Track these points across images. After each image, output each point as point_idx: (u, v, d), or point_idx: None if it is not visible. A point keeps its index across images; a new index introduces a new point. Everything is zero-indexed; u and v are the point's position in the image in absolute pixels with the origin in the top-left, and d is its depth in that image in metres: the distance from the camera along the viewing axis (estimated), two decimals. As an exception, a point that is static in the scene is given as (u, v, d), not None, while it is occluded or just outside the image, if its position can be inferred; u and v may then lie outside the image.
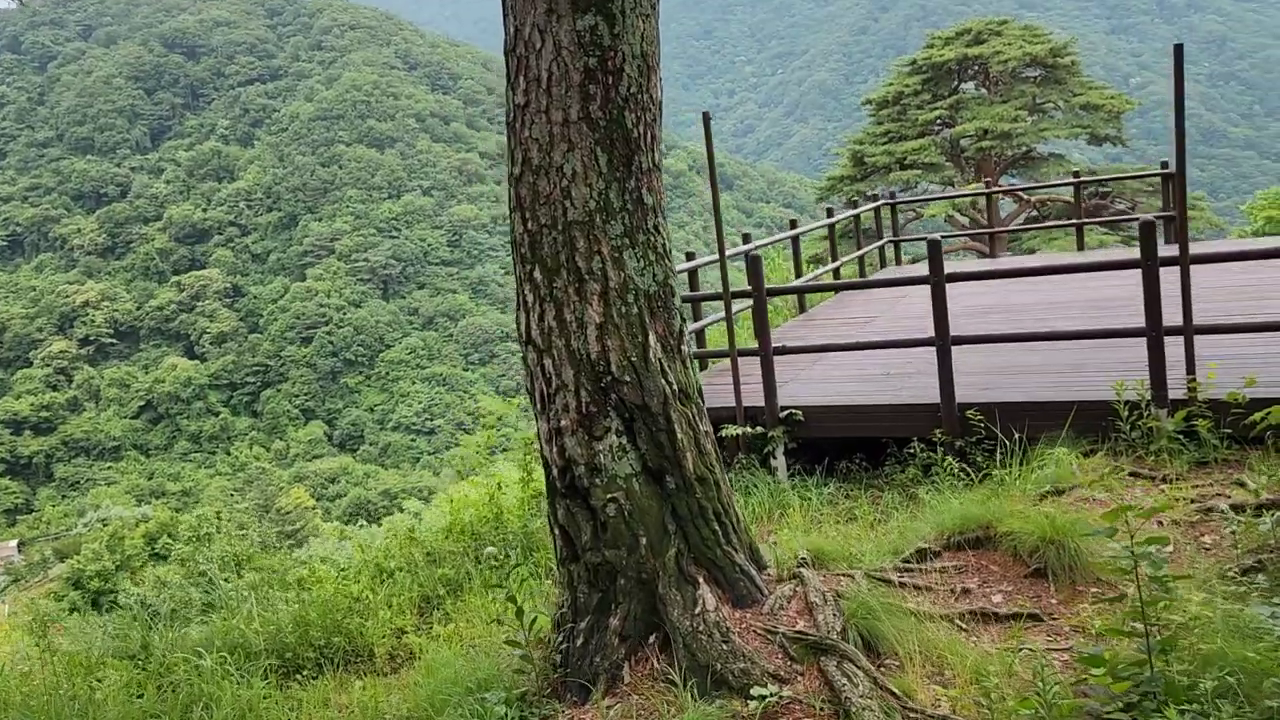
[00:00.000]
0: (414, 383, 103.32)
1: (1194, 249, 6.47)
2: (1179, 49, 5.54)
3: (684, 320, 4.81)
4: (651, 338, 4.56)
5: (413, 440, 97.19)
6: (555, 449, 4.61)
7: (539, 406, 4.70)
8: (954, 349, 6.80)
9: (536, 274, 4.59)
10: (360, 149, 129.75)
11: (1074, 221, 13.58)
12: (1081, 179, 13.42)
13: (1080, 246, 13.65)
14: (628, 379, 4.49)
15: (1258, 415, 5.79)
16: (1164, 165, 12.92)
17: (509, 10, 4.60)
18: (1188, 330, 6.08)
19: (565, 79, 4.44)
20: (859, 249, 12.89)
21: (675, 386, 4.61)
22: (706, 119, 6.81)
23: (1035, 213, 35.32)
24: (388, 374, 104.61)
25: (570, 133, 4.47)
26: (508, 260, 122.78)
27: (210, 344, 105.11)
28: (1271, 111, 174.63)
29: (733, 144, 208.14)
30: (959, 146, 35.10)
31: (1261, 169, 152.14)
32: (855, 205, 35.80)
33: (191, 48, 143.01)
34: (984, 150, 35.13)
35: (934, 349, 6.85)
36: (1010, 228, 30.03)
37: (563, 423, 4.56)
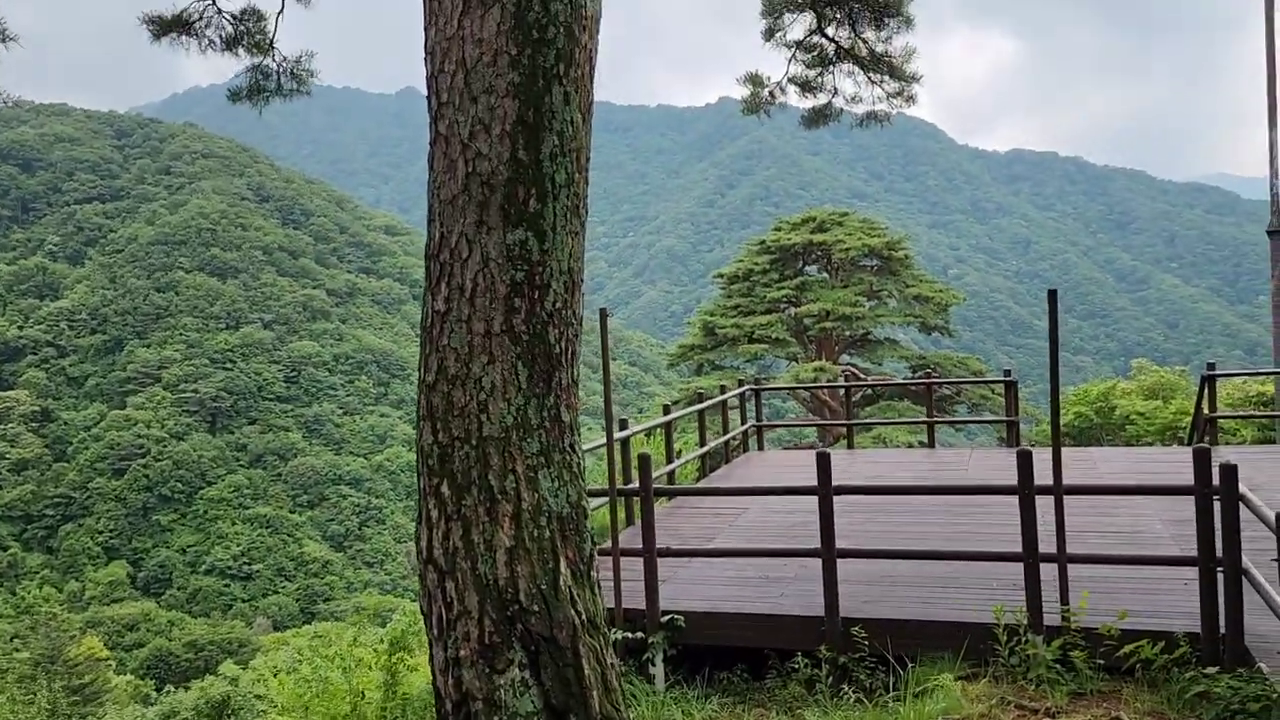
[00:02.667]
0: (234, 523, 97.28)
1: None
2: (1053, 294, 5.93)
3: (594, 543, 4.63)
4: (563, 564, 4.35)
5: (226, 585, 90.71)
6: (451, 680, 4.27)
7: (435, 632, 4.37)
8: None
9: (444, 489, 4.35)
10: (201, 277, 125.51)
11: (925, 420, 14.36)
12: (932, 379, 14.20)
13: (931, 441, 14.39)
14: (536, 608, 4.24)
15: (1129, 648, 6.02)
16: (1006, 374, 13.90)
17: (436, 216, 4.51)
18: (1061, 558, 6.32)
19: (490, 290, 4.34)
20: (725, 432, 13.12)
21: (584, 616, 4.38)
22: (604, 316, 6.82)
23: (871, 392, 37.10)
24: (206, 513, 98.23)
25: (492, 345, 4.35)
26: (346, 399, 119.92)
27: (8, 471, 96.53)
28: (1069, 309, 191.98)
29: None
30: (803, 325, 36.73)
31: (1062, 360, 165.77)
32: (701, 372, 36.92)
33: (27, 160, 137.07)
34: (826, 330, 36.89)
35: (819, 559, 6.86)
36: (861, 420, 31.24)
37: (462, 652, 4.24)
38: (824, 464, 6.92)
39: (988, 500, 9.07)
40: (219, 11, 9.41)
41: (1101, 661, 5.98)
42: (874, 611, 6.84)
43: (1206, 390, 12.97)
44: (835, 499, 6.99)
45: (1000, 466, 11.78)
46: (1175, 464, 11.62)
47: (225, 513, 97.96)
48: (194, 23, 9.42)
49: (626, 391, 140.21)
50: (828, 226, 38.01)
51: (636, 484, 7.76)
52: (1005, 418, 13.94)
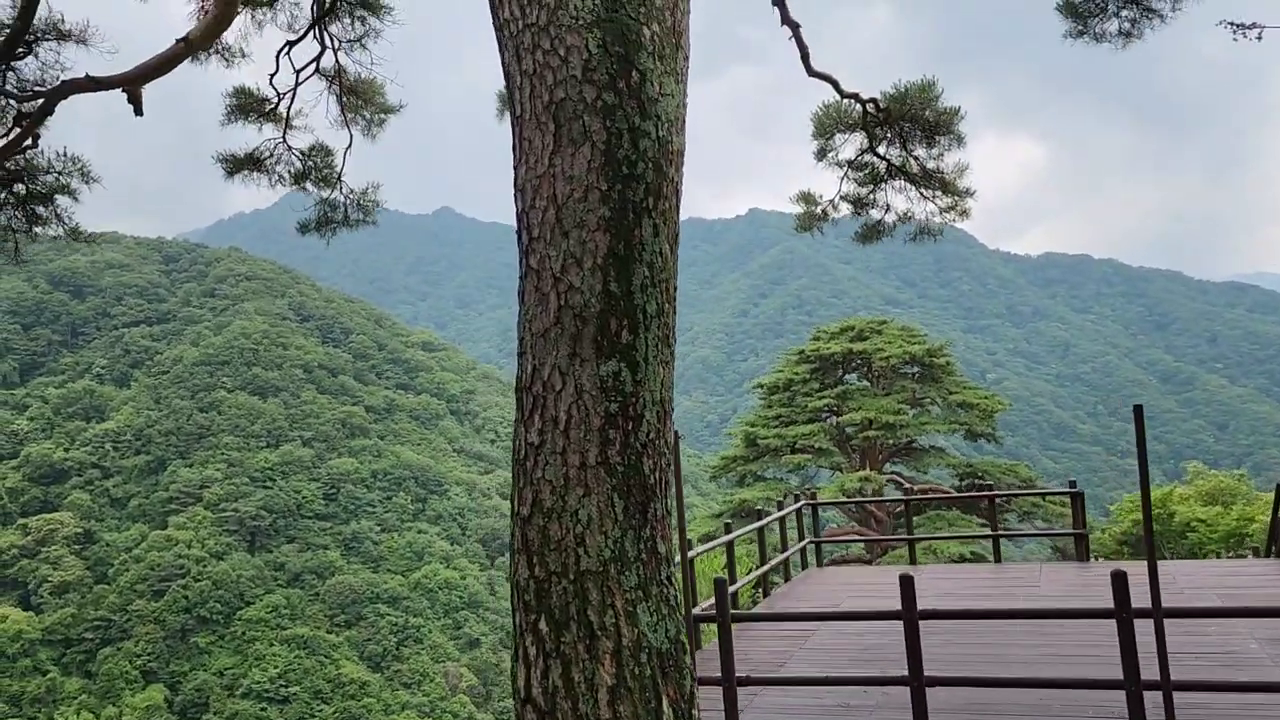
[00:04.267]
0: (271, 644, 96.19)
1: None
2: (1139, 410, 5.83)
3: (694, 680, 4.49)
4: (665, 703, 4.22)
5: (263, 709, 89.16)
6: (554, 828, 4.10)
7: (536, 777, 4.22)
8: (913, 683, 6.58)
9: (542, 625, 4.27)
10: (242, 396, 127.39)
11: (989, 534, 14.04)
12: (993, 491, 13.93)
13: (997, 555, 13.99)
14: (640, 751, 4.10)
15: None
16: (1071, 484, 13.59)
17: (528, 349, 4.54)
18: (1166, 686, 6.04)
19: (585, 422, 4.34)
20: (783, 549, 12.87)
21: (688, 758, 4.22)
22: (676, 438, 6.76)
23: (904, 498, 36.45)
24: (244, 634, 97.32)
25: (587, 477, 4.32)
26: (384, 515, 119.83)
27: (50, 594, 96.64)
28: (1113, 411, 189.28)
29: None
30: (846, 434, 36.42)
31: (1109, 464, 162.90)
32: (744, 483, 36.54)
33: (79, 287, 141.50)
34: (870, 439, 36.52)
35: (906, 687, 6.60)
36: (921, 537, 30.70)
37: (564, 798, 4.09)
38: (908, 588, 6.73)
39: (1073, 631, 8.75)
40: (289, 149, 9.75)
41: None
42: (967, 745, 6.54)
43: (1283, 498, 12.58)
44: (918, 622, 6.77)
45: (1073, 583, 11.41)
46: (1262, 577, 11.21)
47: (263, 634, 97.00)
48: (265, 160, 9.76)
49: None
50: (867, 335, 38.04)
51: (708, 607, 7.58)
52: (1072, 530, 13.57)
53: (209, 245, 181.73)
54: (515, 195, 4.70)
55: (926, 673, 6.65)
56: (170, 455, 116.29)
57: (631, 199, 4.44)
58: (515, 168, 4.69)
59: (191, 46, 7.34)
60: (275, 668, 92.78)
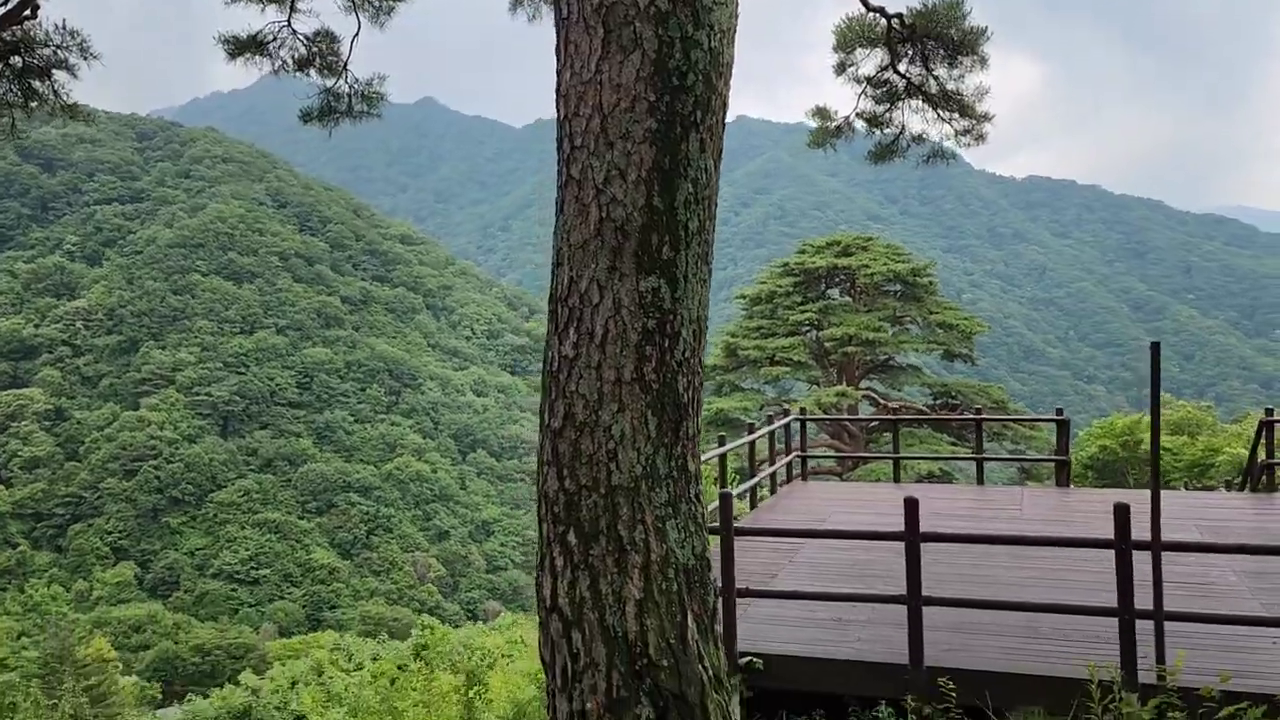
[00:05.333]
0: (243, 527, 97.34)
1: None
2: (1155, 347, 5.86)
3: (716, 595, 4.56)
4: (689, 617, 4.29)
5: (233, 589, 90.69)
6: (577, 734, 4.20)
7: (559, 683, 4.30)
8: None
9: (570, 537, 4.29)
10: (217, 280, 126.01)
11: (974, 457, 14.29)
12: (985, 417, 14.12)
13: (980, 478, 14.27)
14: (665, 663, 4.17)
15: (1228, 710, 5.91)
16: (1059, 412, 13.78)
17: (565, 260, 4.45)
18: (1158, 615, 6.22)
19: (622, 338, 4.29)
20: (771, 462, 13.05)
21: (711, 672, 4.31)
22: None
23: (891, 417, 36.94)
24: (215, 516, 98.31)
25: (622, 393, 4.29)
26: (358, 406, 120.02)
27: (20, 469, 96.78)
28: (1084, 336, 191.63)
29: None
30: (824, 348, 36.60)
31: (1075, 388, 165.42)
32: (721, 393, 36.80)
33: (49, 160, 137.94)
34: (848, 355, 36.76)
35: (904, 607, 6.77)
36: (908, 455, 31.14)
37: (588, 705, 4.18)
38: (912, 510, 6.84)
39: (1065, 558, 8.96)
40: (294, 33, 9.42)
41: (1200, 723, 5.87)
42: (959, 661, 6.74)
43: (1265, 435, 12.84)
44: (910, 542, 6.91)
45: (1056, 508, 11.66)
46: (1240, 511, 11.51)
47: (234, 517, 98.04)
48: (268, 44, 9.43)
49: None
50: (852, 251, 37.92)
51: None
52: (1054, 457, 13.83)
53: (184, 124, 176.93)
54: (557, 100, 4.55)
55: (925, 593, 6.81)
56: (143, 336, 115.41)
57: (680, 111, 4.32)
58: (559, 72, 4.53)
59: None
60: (246, 550, 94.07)
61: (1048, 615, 7.28)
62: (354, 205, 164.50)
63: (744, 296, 39.98)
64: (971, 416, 15.43)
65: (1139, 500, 7.38)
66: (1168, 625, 6.85)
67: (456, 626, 36.47)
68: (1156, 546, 6.16)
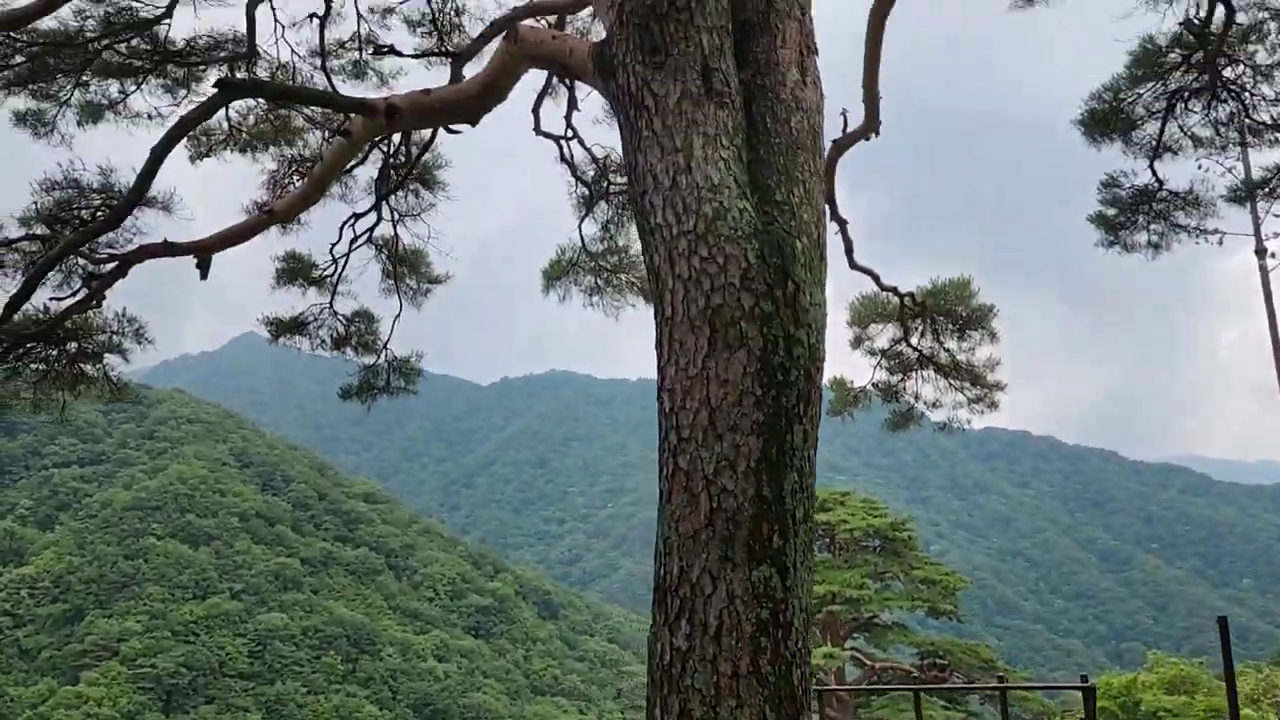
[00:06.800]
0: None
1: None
2: (1223, 622, 5.88)
3: None
4: None
5: None
6: None
7: None
8: None
9: None
10: (172, 544, 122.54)
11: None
12: (1006, 685, 13.73)
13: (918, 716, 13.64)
14: None
15: None
16: (1083, 679, 13.46)
17: (674, 549, 4.50)
18: None
19: (737, 629, 4.27)
20: None
21: None
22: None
23: (876, 679, 35.79)
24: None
25: (739, 687, 4.21)
26: (312, 676, 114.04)
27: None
28: (1054, 589, 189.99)
29: (559, 571, 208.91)
30: (809, 608, 35.80)
31: (1052, 643, 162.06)
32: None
33: (11, 424, 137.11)
34: (833, 614, 36.07)
35: None
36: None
37: None
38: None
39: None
40: (335, 314, 9.80)
41: None
42: None
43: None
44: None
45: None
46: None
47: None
48: (309, 324, 9.79)
49: (605, 671, 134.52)
50: (830, 506, 38.08)
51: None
52: (1082, 725, 13.37)
53: (154, 386, 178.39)
54: (660, 394, 4.75)
55: None
56: (89, 605, 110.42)
57: (785, 405, 4.52)
58: (662, 367, 4.76)
59: (274, 217, 7.45)
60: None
61: None
62: (318, 464, 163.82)
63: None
64: (994, 685, 14.98)
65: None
66: None
67: None
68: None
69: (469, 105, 5.79)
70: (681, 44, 4.87)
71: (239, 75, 9.34)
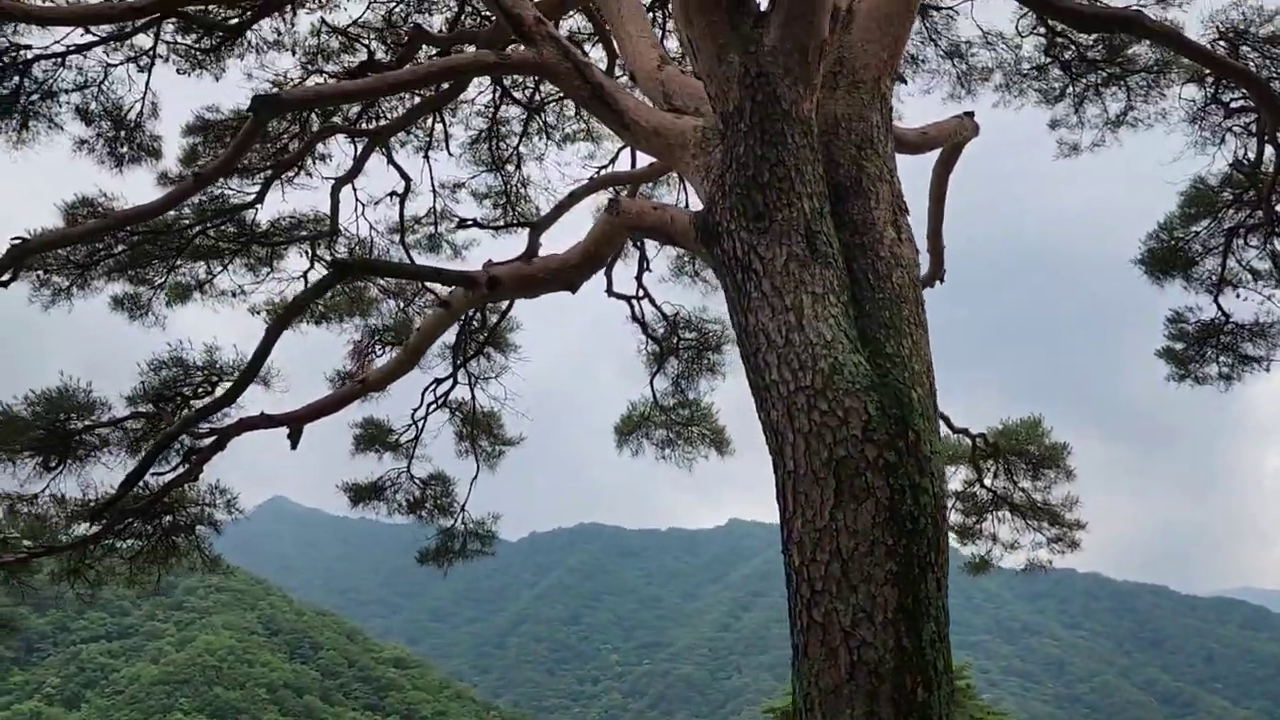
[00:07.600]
0: None
1: None
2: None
3: None
4: None
5: None
6: None
7: None
8: None
9: None
10: (199, 718, 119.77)
11: None
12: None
13: None
14: None
15: None
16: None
17: (815, 705, 4.44)
18: None
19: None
20: None
21: None
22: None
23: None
24: None
25: None
26: None
27: None
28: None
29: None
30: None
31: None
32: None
33: (40, 602, 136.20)
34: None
35: None
36: None
37: None
38: None
39: None
40: (412, 478, 9.92)
41: None
42: None
43: None
44: None
45: None
46: None
47: None
48: (386, 489, 9.90)
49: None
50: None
51: None
52: None
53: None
54: (788, 547, 4.78)
55: None
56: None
57: (917, 553, 4.54)
58: (787, 521, 4.80)
59: (367, 387, 7.68)
60: None
61: None
62: (347, 629, 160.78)
63: (773, 710, 38.27)
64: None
65: None
66: None
67: None
68: None
69: (569, 274, 6.06)
70: (784, 210, 5.14)
71: (319, 252, 9.81)
